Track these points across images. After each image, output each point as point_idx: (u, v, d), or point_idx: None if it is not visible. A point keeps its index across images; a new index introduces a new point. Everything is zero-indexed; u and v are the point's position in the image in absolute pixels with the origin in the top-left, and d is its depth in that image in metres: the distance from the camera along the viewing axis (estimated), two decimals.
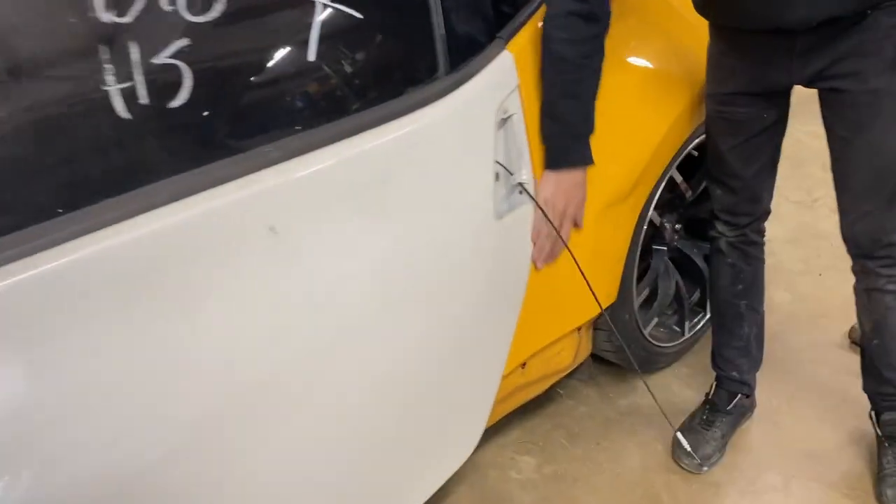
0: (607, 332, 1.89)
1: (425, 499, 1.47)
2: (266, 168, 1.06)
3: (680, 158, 1.80)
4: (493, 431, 1.95)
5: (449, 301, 1.35)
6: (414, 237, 1.26)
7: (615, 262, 1.70)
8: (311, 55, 1.15)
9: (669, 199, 1.94)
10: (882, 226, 1.50)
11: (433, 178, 1.28)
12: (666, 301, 2.03)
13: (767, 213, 1.73)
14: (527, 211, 1.46)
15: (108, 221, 0.93)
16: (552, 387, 1.94)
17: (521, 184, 1.45)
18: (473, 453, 1.53)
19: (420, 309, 1.30)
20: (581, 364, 1.95)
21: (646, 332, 1.95)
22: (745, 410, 1.89)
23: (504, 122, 1.42)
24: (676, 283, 2.04)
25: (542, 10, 1.47)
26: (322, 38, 1.15)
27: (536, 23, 1.46)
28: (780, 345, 2.16)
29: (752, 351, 1.84)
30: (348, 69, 1.22)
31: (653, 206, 1.79)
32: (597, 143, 1.53)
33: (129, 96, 0.96)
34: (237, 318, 1.04)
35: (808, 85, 1.49)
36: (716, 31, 1.58)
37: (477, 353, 1.46)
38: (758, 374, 1.91)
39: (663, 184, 1.78)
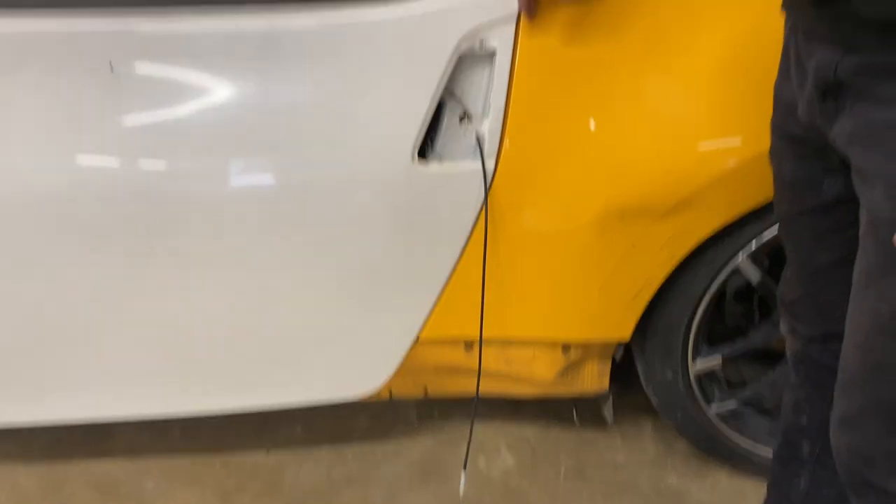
0: (650, 386, 1.47)
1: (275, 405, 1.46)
2: None
3: None
4: (513, 410, 1.74)
5: (332, 234, 1.25)
6: (297, 145, 1.19)
7: (628, 290, 1.29)
8: None
9: None
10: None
11: (328, 86, 1.16)
12: (766, 390, 1.45)
13: None
14: (474, 169, 1.21)
15: None
16: (601, 416, 1.61)
17: (477, 135, 1.21)
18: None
19: (297, 231, 1.24)
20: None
21: (710, 411, 1.46)
22: None
23: (480, 56, 1.18)
24: None
25: None
26: None
27: None
28: None
29: None
30: None
31: (748, 252, 1.28)
32: (622, 109, 1.18)
33: None
34: None
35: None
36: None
37: (369, 301, 1.32)
38: None
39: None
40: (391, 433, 1.74)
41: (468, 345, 1.41)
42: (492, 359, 1.43)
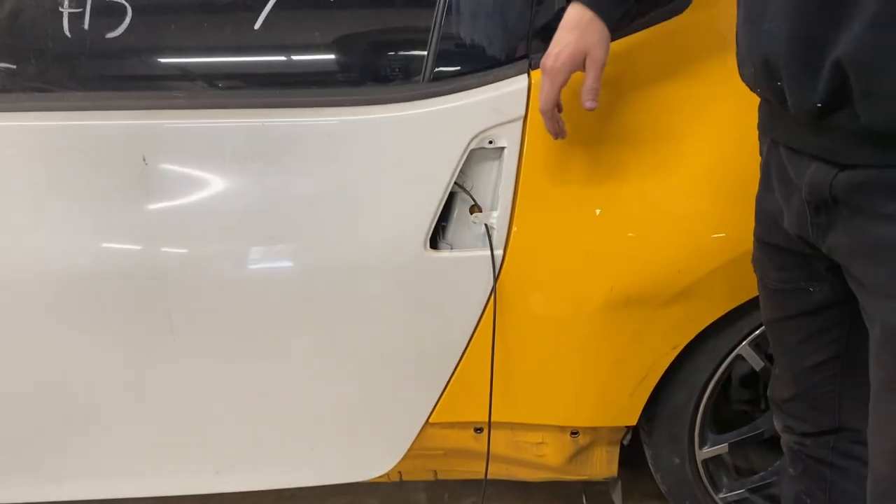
0: (658, 472, 1.48)
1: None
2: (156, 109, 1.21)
3: None
4: (523, 494, 1.75)
5: (346, 319, 1.30)
6: (311, 231, 1.25)
7: (633, 376, 1.32)
8: (257, 25, 1.22)
9: None
10: None
11: (346, 179, 1.23)
12: (774, 478, 1.46)
13: (854, 431, 1.07)
14: (483, 257, 1.26)
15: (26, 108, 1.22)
16: (610, 501, 1.61)
17: (486, 225, 1.26)
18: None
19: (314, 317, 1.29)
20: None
21: (717, 497, 1.46)
22: None
23: (493, 153, 1.25)
24: None
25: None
26: (278, 11, 1.21)
27: None
28: None
29: None
30: (294, 46, 1.25)
31: (751, 339, 1.31)
32: (624, 202, 1.24)
33: (75, 19, 1.21)
34: None
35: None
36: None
37: (380, 384, 1.35)
38: None
39: None
40: None
41: (478, 429, 1.44)
42: (501, 443, 1.44)
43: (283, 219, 1.25)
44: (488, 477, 1.55)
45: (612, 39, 1.11)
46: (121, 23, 1.22)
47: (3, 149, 1.21)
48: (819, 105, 0.80)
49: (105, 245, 1.25)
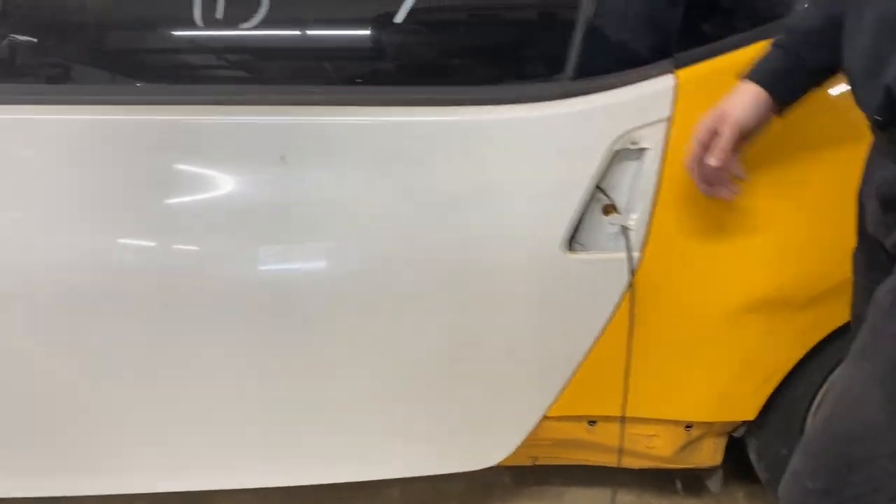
0: (762, 461, 1.51)
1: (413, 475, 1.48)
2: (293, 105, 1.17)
3: None
4: (611, 476, 1.77)
5: (476, 315, 1.29)
6: (447, 229, 1.23)
7: (760, 374, 1.34)
8: (399, 18, 1.17)
9: None
10: None
11: (487, 179, 1.21)
12: None
13: None
14: (617, 259, 1.25)
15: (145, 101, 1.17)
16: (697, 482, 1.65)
17: (624, 227, 1.25)
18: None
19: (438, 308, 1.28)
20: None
21: None
22: None
23: (633, 154, 1.23)
24: None
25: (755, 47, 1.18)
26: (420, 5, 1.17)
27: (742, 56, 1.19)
28: None
29: None
30: (436, 42, 1.21)
31: None
32: (762, 208, 1.24)
33: (208, 8, 1.15)
34: None
35: None
36: None
37: (507, 377, 1.35)
38: None
39: None
40: (487, 499, 1.76)
41: (591, 421, 1.45)
42: (613, 435, 1.46)
43: (422, 217, 1.22)
44: (583, 463, 1.58)
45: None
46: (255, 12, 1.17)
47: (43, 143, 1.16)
48: (878, 118, 0.87)
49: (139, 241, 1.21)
